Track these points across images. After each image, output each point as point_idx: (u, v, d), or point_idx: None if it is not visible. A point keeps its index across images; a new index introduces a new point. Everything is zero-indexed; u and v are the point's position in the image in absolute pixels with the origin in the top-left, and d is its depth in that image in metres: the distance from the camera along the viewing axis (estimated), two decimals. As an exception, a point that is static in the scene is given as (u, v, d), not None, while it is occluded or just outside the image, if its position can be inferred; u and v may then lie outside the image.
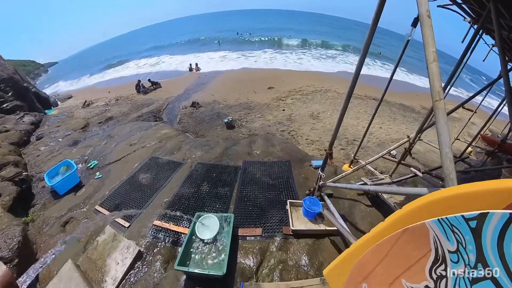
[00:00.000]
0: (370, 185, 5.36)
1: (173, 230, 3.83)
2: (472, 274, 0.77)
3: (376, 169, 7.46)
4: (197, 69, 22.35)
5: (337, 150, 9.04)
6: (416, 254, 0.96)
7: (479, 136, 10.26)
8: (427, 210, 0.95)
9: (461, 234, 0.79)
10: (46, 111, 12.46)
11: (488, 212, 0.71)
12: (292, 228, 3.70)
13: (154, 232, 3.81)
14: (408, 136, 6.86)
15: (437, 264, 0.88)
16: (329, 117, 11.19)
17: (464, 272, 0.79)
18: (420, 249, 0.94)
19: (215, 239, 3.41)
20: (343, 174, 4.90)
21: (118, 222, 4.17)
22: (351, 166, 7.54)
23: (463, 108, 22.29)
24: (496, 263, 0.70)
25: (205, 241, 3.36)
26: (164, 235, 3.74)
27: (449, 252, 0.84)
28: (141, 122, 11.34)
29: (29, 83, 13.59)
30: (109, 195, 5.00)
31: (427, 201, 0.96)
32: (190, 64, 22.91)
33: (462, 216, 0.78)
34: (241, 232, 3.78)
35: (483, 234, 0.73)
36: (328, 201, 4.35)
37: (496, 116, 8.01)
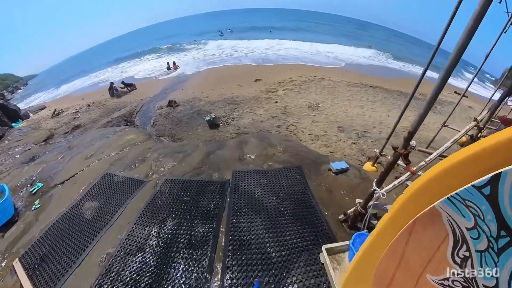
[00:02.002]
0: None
1: None
2: (497, 244, 0.71)
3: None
4: (176, 67, 20.19)
5: (348, 145, 7.21)
6: (433, 243, 0.86)
7: (490, 119, 8.94)
8: (433, 188, 0.84)
9: (476, 206, 0.72)
10: (12, 124, 11.40)
11: (500, 172, 0.65)
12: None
13: None
14: (476, 119, 5.15)
15: (458, 247, 0.80)
16: (330, 107, 9.37)
17: (488, 245, 0.73)
18: (436, 236, 0.84)
19: None
20: (402, 178, 2.87)
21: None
22: (376, 164, 5.81)
23: (455, 93, 20.70)
24: None
25: None
26: None
27: (467, 229, 0.77)
28: (106, 128, 9.23)
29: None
30: (36, 241, 3.35)
31: (430, 177, 0.84)
32: (168, 63, 20.70)
33: (473, 185, 0.70)
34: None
35: (500, 198, 0.66)
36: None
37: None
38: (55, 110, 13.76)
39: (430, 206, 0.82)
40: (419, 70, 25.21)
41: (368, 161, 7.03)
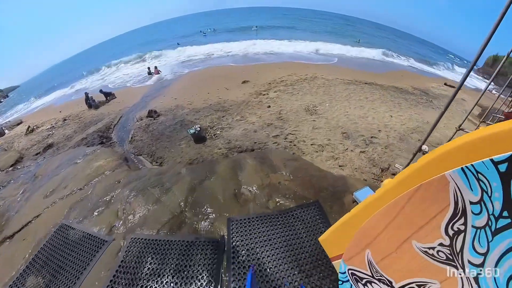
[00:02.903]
0: None
1: None
2: (496, 224, 0.70)
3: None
4: (157, 72, 18.67)
5: (357, 154, 6.24)
6: (431, 211, 0.86)
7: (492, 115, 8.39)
8: (449, 159, 0.81)
9: (488, 181, 0.71)
10: (-17, 145, 10.10)
11: None
12: None
13: None
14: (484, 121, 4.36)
15: (456, 219, 0.80)
16: (329, 110, 8.38)
17: (487, 223, 0.72)
18: (437, 204, 0.84)
19: None
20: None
21: None
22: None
23: (446, 85, 20.02)
24: None
25: None
26: None
27: (471, 203, 0.76)
28: (78, 148, 7.98)
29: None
30: None
31: (450, 149, 0.82)
32: (149, 68, 19.11)
33: (491, 160, 0.68)
34: None
35: None
36: None
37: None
38: (29, 127, 12.37)
39: (440, 174, 0.79)
40: (405, 62, 24.99)
41: (381, 172, 6.13)
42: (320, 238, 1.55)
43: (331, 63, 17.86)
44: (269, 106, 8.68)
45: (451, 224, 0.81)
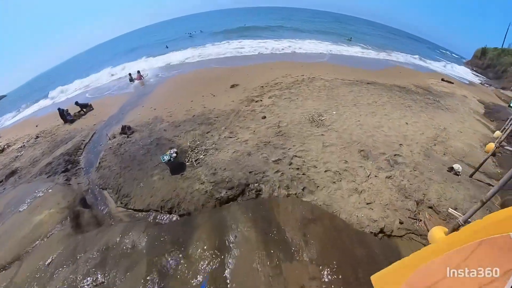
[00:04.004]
0: None
1: None
2: None
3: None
4: (140, 77, 16.45)
5: (383, 182, 4.70)
6: (495, 270, 0.82)
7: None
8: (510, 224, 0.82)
9: None
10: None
11: None
12: None
13: None
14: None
15: None
16: (338, 119, 6.80)
17: None
18: (501, 265, 0.81)
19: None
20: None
21: None
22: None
23: (443, 80, 18.32)
24: None
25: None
26: None
27: None
28: (32, 184, 6.45)
29: None
30: None
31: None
32: (130, 74, 16.80)
33: None
34: None
35: None
36: None
37: None
38: (-1, 146, 10.31)
39: (506, 234, 0.79)
40: (399, 58, 23.91)
41: (417, 207, 4.56)
42: (373, 277, 1.47)
43: (326, 62, 16.34)
44: (264, 117, 6.99)
45: None
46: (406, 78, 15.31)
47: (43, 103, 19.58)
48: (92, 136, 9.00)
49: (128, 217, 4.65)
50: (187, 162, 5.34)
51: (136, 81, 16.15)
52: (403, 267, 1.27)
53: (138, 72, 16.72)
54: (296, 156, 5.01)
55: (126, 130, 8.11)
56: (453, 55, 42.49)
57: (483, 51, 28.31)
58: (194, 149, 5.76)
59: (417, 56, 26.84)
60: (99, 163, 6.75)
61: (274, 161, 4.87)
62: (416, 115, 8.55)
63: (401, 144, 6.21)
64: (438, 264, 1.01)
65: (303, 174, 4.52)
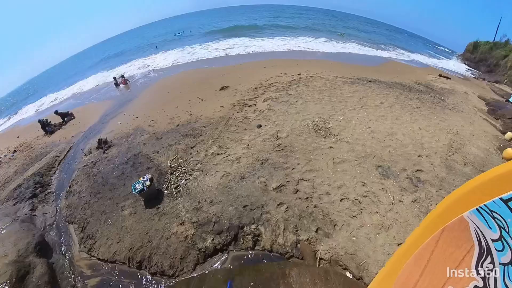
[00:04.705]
0: None
1: None
2: None
3: None
4: (124, 81, 15.17)
5: (409, 207, 3.72)
6: (459, 253, 0.86)
7: None
8: (463, 202, 0.85)
9: (502, 218, 0.74)
10: None
11: None
12: None
13: None
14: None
15: (483, 258, 0.80)
16: (346, 126, 5.77)
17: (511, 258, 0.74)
18: (462, 246, 0.85)
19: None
20: None
21: None
22: None
23: (440, 76, 17.50)
24: None
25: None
26: None
27: (493, 241, 0.77)
28: None
29: None
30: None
31: (462, 193, 0.88)
32: (115, 78, 15.47)
33: (500, 198, 0.73)
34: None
35: None
36: None
37: None
38: (-28, 163, 8.94)
39: (459, 216, 0.84)
40: (394, 54, 23.19)
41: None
42: None
43: (321, 59, 15.32)
44: (260, 126, 5.89)
45: (480, 263, 0.80)
46: (405, 75, 14.51)
47: (29, 110, 17.87)
48: (68, 150, 7.87)
49: (90, 270, 3.53)
50: (166, 189, 4.21)
51: (122, 86, 14.98)
52: (385, 278, 1.21)
53: (122, 76, 15.45)
54: (302, 179, 3.95)
55: (102, 145, 6.99)
56: (446, 49, 42.19)
57: (475, 45, 27.90)
58: (176, 170, 4.62)
59: (411, 51, 26.23)
60: (70, 186, 5.66)
61: (275, 188, 3.80)
62: (426, 117, 7.67)
63: (420, 156, 5.27)
64: (412, 265, 1.00)
65: (314, 206, 3.46)
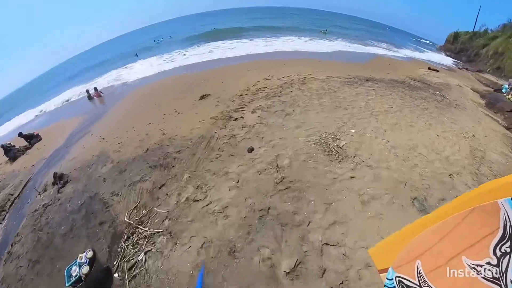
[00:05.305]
0: None
1: None
2: None
3: None
4: (98, 94, 13.48)
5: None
6: (482, 231, 0.90)
7: None
8: (502, 191, 0.89)
9: None
10: None
11: None
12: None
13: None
14: None
15: (503, 242, 0.85)
16: (362, 142, 4.54)
17: None
18: (488, 226, 0.89)
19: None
20: None
21: None
22: None
23: (430, 69, 16.13)
24: None
25: None
26: None
27: None
28: None
29: None
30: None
31: (505, 183, 0.91)
32: (87, 91, 13.66)
33: None
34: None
35: None
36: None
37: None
38: None
39: (493, 201, 0.88)
40: (379, 49, 22.66)
41: None
42: (370, 250, 1.49)
43: (309, 58, 14.13)
44: (252, 149, 4.51)
45: (499, 246, 0.85)
46: (398, 70, 13.77)
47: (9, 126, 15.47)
48: (25, 185, 6.29)
49: None
50: (116, 272, 2.73)
51: (95, 99, 13.29)
52: (398, 239, 1.23)
53: (95, 89, 13.71)
54: (327, 244, 2.59)
55: (57, 180, 5.53)
56: (427, 42, 42.69)
57: (455, 36, 28.08)
58: (134, 232, 3.15)
59: (397, 45, 25.91)
60: (12, 245, 4.18)
61: (289, 272, 2.41)
62: (438, 120, 6.71)
63: (451, 175, 4.17)
64: (432, 232, 1.03)
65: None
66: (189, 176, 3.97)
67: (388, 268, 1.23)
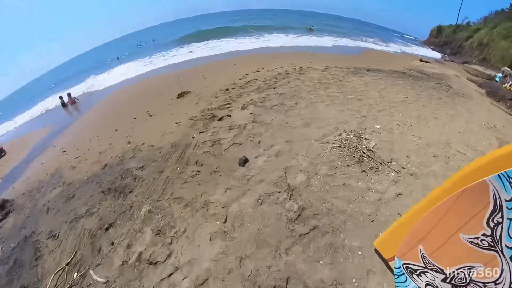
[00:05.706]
0: None
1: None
2: None
3: None
4: (72, 101, 12.01)
5: None
6: (475, 209, 0.98)
7: None
8: (487, 169, 0.97)
9: None
10: None
11: None
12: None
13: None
14: None
15: (495, 214, 0.93)
16: (393, 140, 3.43)
17: None
18: (480, 203, 0.96)
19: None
20: None
21: None
22: None
23: (421, 60, 15.10)
24: None
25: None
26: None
27: (506, 200, 0.91)
28: None
29: None
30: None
31: (486, 160, 1.00)
32: (61, 97, 12.10)
33: None
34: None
35: None
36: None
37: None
38: None
39: (481, 179, 0.93)
40: (367, 43, 22.12)
41: None
42: (375, 242, 1.55)
43: (299, 51, 13.11)
44: (246, 161, 3.24)
45: (491, 218, 0.93)
46: (393, 62, 13.09)
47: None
48: None
49: None
50: None
51: (70, 105, 12.00)
52: (400, 227, 1.31)
53: (69, 95, 12.13)
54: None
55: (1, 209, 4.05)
56: (411, 37, 43.07)
57: (439, 29, 28.14)
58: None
59: (384, 40, 25.63)
60: None
61: None
62: (456, 111, 5.85)
63: None
64: (428, 217, 1.09)
65: None
66: (149, 210, 2.62)
67: (394, 256, 1.33)
